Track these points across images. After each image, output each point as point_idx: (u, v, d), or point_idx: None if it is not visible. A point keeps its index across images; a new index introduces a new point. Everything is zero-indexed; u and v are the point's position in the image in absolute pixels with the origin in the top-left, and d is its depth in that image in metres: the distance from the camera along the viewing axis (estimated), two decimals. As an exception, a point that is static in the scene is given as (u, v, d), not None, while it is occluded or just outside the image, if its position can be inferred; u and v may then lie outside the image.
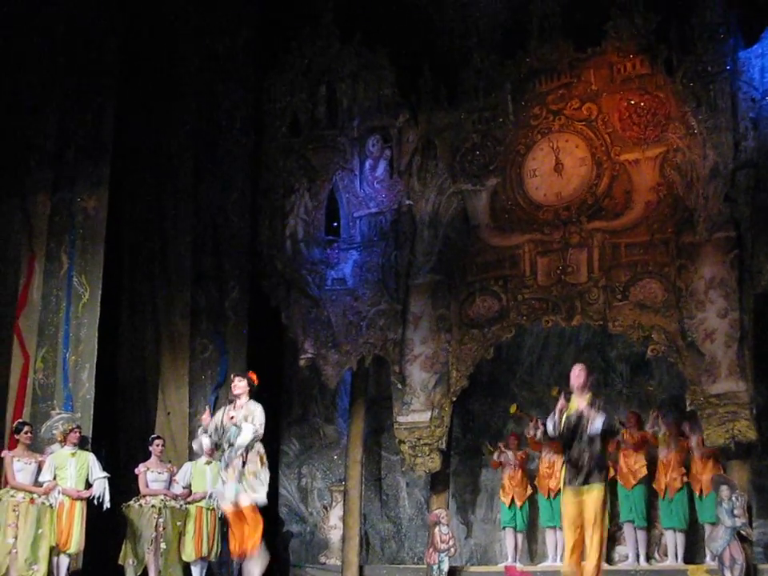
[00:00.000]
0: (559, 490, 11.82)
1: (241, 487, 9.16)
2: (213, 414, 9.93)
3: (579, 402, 8.97)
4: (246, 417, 9.38)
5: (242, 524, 9.26)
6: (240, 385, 9.57)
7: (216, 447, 9.60)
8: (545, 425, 9.40)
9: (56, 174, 12.95)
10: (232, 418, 9.39)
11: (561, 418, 8.98)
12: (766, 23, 11.44)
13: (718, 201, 11.26)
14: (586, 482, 8.78)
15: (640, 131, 11.82)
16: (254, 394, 9.65)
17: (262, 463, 9.33)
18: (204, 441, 9.70)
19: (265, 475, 9.36)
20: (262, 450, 9.36)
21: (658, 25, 11.88)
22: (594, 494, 8.78)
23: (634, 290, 11.59)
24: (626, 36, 11.99)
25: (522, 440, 12.68)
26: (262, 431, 9.36)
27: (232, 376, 9.93)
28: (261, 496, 9.30)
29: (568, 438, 8.94)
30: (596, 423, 8.82)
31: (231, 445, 9.31)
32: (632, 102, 11.91)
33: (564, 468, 9.03)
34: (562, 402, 9.04)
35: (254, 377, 9.70)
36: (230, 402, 9.69)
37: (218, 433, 9.49)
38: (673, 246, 11.50)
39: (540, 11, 12.59)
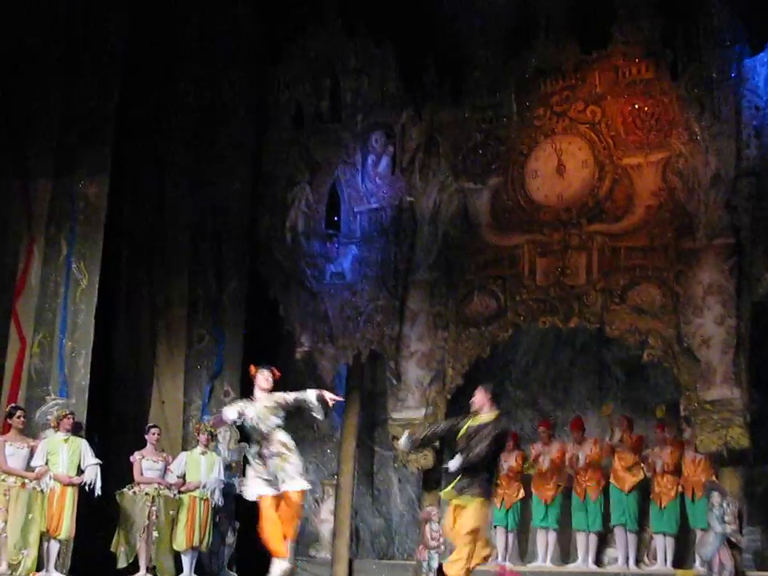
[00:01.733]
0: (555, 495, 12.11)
1: (283, 476, 8.93)
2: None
3: (482, 419, 9.16)
4: (272, 407, 9.16)
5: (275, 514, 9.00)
6: (272, 379, 9.33)
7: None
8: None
9: (58, 160, 12.94)
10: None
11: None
12: (773, 31, 11.45)
13: (719, 208, 11.26)
14: (462, 492, 8.97)
15: (643, 136, 11.81)
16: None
17: (289, 449, 9.05)
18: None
19: (294, 461, 9.06)
20: (284, 438, 9.09)
21: (663, 30, 11.86)
22: (472, 506, 8.94)
23: (632, 293, 11.59)
24: (632, 40, 11.97)
25: (519, 439, 12.74)
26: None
27: (254, 368, 9.43)
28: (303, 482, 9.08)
29: (460, 450, 9.11)
30: (454, 461, 9.04)
31: (264, 438, 9.05)
32: (636, 107, 11.88)
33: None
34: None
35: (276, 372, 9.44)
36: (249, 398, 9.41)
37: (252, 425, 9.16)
38: (672, 251, 11.50)
39: (546, 12, 12.56)
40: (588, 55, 12.26)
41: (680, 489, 11.57)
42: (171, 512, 11.96)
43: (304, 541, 13.86)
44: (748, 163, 11.26)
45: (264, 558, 10.29)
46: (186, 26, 14.13)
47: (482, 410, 9.20)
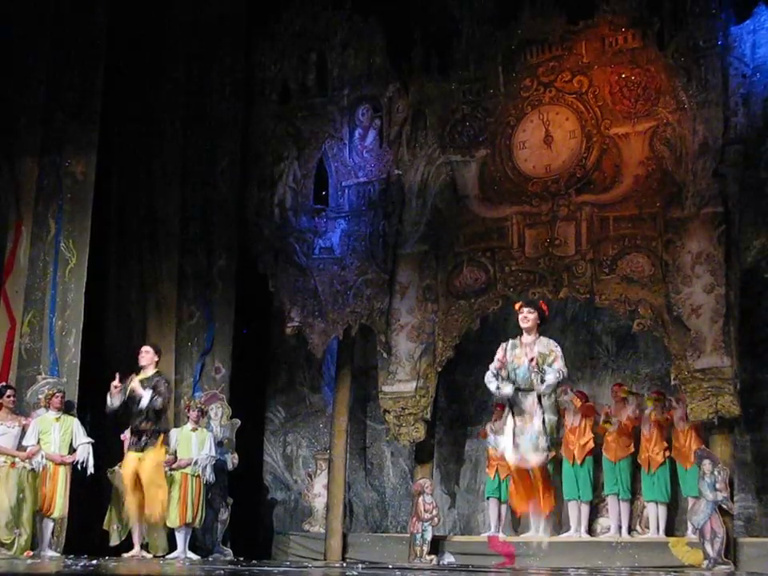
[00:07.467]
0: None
1: (535, 443, 8.39)
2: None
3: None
4: (545, 355, 8.57)
5: (528, 479, 8.56)
6: (531, 317, 8.74)
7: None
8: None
9: (44, 138, 12.91)
10: (532, 360, 8.46)
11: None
12: (758, -1, 11.41)
13: (707, 176, 11.25)
14: (144, 448, 10.39)
15: (630, 105, 11.79)
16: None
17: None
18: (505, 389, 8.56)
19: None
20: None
21: (650, -2, 11.85)
22: (150, 457, 10.36)
23: (621, 263, 11.59)
24: (618, 9, 11.94)
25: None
26: (566, 372, 8.57)
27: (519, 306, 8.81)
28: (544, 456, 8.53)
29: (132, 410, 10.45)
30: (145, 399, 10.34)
31: (520, 389, 8.51)
32: (623, 76, 11.86)
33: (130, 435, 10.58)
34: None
35: (544, 306, 8.84)
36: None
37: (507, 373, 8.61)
38: (661, 220, 11.49)
39: (532, -18, 12.53)
40: (574, 25, 12.23)
41: (668, 453, 11.57)
42: (163, 489, 11.97)
43: (297, 515, 13.92)
44: (735, 131, 11.24)
45: (257, 534, 10.31)
46: (172, 2, 14.05)
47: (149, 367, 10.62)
